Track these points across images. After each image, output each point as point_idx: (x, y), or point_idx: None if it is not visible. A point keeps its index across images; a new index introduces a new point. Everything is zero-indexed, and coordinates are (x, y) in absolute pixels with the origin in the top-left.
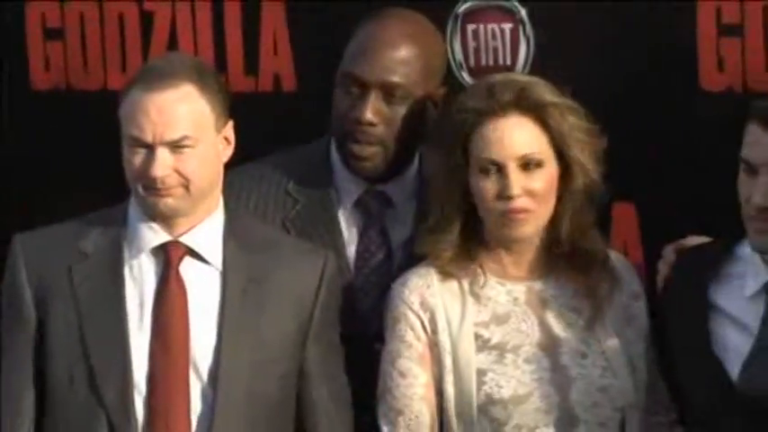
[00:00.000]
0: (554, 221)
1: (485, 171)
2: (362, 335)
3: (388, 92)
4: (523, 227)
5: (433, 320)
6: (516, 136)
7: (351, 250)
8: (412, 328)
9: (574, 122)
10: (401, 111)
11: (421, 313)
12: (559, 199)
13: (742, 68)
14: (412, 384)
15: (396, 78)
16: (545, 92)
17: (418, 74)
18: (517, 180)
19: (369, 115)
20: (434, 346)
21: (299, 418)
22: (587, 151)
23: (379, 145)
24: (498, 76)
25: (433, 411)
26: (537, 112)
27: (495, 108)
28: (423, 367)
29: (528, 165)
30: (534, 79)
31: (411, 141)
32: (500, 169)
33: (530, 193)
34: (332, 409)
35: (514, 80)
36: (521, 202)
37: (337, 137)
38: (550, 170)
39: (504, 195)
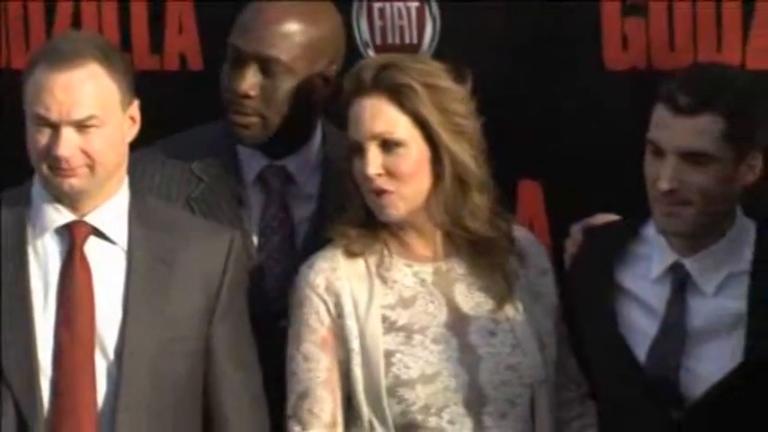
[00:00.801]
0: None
1: (353, 151)
2: (266, 312)
3: (265, 65)
4: (389, 209)
5: (338, 304)
6: (371, 115)
7: (254, 228)
8: (316, 312)
9: (439, 105)
10: (283, 85)
11: (326, 297)
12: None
13: (646, 48)
14: (314, 369)
15: (272, 52)
16: (407, 73)
17: (301, 50)
18: (374, 160)
19: (244, 87)
20: (340, 329)
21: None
22: (458, 135)
23: (257, 116)
24: (374, 57)
25: (335, 395)
26: (392, 92)
27: (357, 88)
28: (325, 352)
29: (387, 144)
30: (402, 59)
31: (300, 117)
32: (362, 149)
33: (391, 174)
34: (243, 393)
35: (378, 60)
36: (379, 182)
37: (223, 108)
38: (415, 151)
39: (364, 176)
